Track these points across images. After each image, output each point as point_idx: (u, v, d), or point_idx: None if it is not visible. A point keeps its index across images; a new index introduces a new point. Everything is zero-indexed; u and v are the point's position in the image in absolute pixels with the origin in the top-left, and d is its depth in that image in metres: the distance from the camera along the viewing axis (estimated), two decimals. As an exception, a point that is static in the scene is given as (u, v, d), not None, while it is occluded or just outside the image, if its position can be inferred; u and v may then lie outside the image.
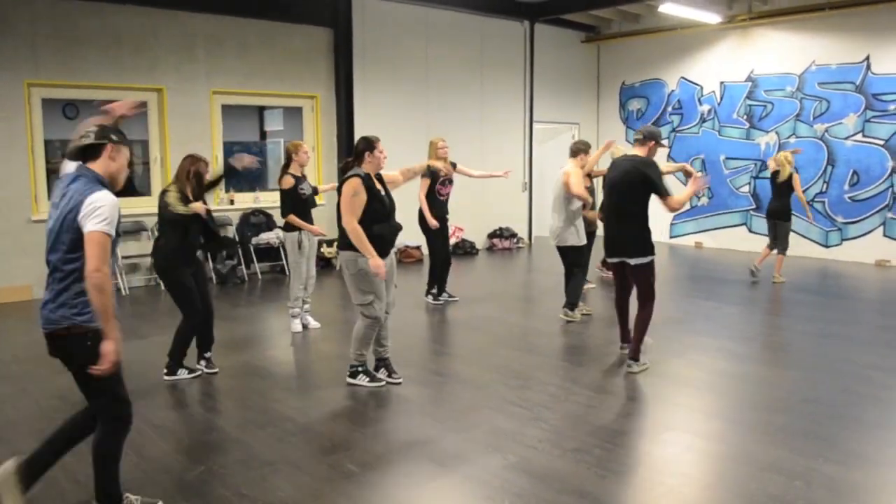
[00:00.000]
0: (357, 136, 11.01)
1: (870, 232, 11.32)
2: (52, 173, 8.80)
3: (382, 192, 5.23)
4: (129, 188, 11.47)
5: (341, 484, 3.87)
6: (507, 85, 13.34)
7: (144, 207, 9.54)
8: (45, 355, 3.35)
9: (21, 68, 8.55)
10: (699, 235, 13.41)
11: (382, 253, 5.15)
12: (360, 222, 5.08)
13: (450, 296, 8.51)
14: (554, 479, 3.89)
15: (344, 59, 11.02)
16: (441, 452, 4.27)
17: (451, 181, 8.20)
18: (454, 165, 8.15)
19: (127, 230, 9.33)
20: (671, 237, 13.76)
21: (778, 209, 9.44)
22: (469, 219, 12.78)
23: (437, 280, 8.42)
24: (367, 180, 5.13)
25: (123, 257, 9.29)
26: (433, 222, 7.95)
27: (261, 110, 14.88)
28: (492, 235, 13.31)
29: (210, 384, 5.57)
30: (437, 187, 8.08)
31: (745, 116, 12.63)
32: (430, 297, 8.40)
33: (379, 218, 5.16)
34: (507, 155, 13.46)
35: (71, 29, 8.83)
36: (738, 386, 5.54)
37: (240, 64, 10.19)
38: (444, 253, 8.39)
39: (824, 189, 11.73)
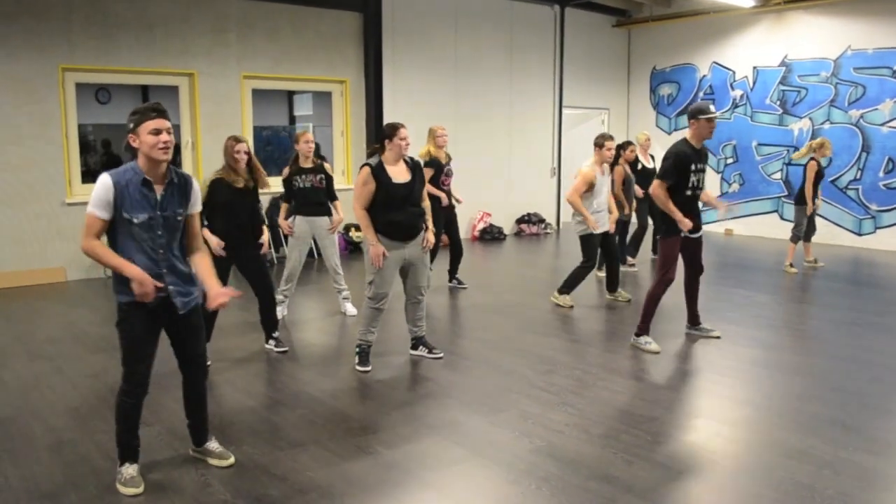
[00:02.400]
0: (385, 121, 11.16)
1: (905, 220, 11.15)
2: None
3: (399, 180, 5.25)
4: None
5: (369, 465, 3.92)
6: (536, 70, 13.27)
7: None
8: (79, 335, 3.45)
9: (56, 53, 8.68)
10: (730, 222, 13.28)
11: (400, 237, 5.31)
12: (375, 209, 5.25)
13: (459, 283, 8.50)
14: (580, 463, 3.91)
15: (373, 44, 11.03)
16: (468, 436, 4.30)
17: (450, 174, 8.09)
18: (449, 158, 8.10)
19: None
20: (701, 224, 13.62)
21: (797, 193, 9.39)
22: (497, 204, 12.78)
23: (453, 267, 8.43)
24: (376, 169, 5.22)
25: None
26: (446, 199, 7.92)
27: (290, 95, 14.95)
28: (520, 221, 13.29)
29: (240, 366, 5.64)
30: (441, 178, 7.95)
31: (778, 102, 12.46)
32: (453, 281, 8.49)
33: (393, 205, 5.24)
34: (536, 140, 13.41)
35: (104, 14, 8.94)
36: (767, 374, 5.50)
37: (270, 48, 10.24)
38: (458, 242, 8.34)
39: (858, 176, 11.55)
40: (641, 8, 14.01)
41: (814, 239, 9.61)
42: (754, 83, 12.75)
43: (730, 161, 13.18)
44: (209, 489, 3.64)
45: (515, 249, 11.79)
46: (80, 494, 3.58)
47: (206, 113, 9.81)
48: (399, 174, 5.29)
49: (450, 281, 8.49)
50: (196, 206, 3.66)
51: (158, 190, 3.47)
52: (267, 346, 5.97)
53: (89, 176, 9.27)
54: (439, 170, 7.91)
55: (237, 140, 5.59)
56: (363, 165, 5.29)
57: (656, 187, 5.79)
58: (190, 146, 9.88)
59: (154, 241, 3.47)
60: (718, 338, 6.28)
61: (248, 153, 5.60)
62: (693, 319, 6.42)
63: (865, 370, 5.48)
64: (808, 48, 11.97)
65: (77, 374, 5.39)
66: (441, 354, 5.78)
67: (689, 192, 5.82)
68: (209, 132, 9.78)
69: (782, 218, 12.52)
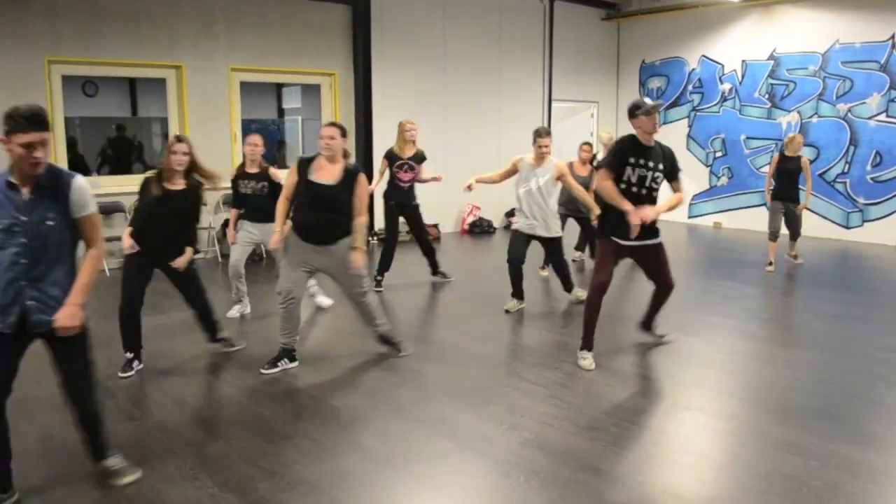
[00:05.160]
0: (375, 114, 11.13)
1: (892, 213, 11.18)
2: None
3: (320, 180, 5.10)
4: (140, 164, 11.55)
5: (358, 458, 3.92)
6: (525, 63, 13.25)
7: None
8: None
9: (41, 45, 8.58)
10: (718, 215, 13.32)
11: (306, 239, 5.15)
12: (292, 202, 5.27)
13: (444, 276, 8.34)
14: (569, 455, 3.92)
15: (362, 37, 10.98)
16: (457, 429, 4.31)
17: (412, 167, 7.85)
18: (423, 159, 7.94)
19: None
20: (689, 217, 13.68)
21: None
22: (486, 198, 12.76)
23: (431, 263, 8.24)
24: (302, 163, 5.19)
25: None
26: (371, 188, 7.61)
27: (279, 88, 14.88)
28: (509, 214, 13.26)
29: (229, 359, 5.62)
30: (394, 171, 7.80)
31: (766, 95, 12.49)
32: (376, 282, 7.91)
33: (307, 203, 5.16)
34: (525, 133, 13.35)
35: (90, 5, 8.85)
36: (755, 366, 5.53)
37: (258, 41, 10.18)
38: (423, 239, 8.13)
39: (846, 170, 11.60)
40: (630, 1, 14.00)
41: (801, 230, 9.52)
42: (743, 77, 12.78)
43: (719, 154, 13.22)
44: (197, 482, 3.63)
45: (504, 243, 11.74)
46: (68, 488, 3.57)
47: (193, 106, 9.75)
48: (326, 175, 5.12)
49: (434, 275, 8.34)
50: (83, 209, 3.27)
51: (25, 193, 3.16)
52: (211, 345, 5.70)
53: (75, 169, 9.20)
54: (392, 162, 7.79)
55: (177, 139, 5.19)
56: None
57: (599, 177, 5.26)
58: (178, 139, 9.82)
59: (19, 249, 3.15)
60: (669, 342, 5.88)
61: (187, 154, 5.13)
62: (646, 323, 5.92)
63: (853, 363, 5.52)
64: (796, 42, 12.00)
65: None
66: (407, 353, 5.64)
67: (622, 187, 5.16)
68: (197, 125, 9.72)
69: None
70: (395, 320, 6.98)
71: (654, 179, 5.23)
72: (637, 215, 5.02)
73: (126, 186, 9.58)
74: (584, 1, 13.73)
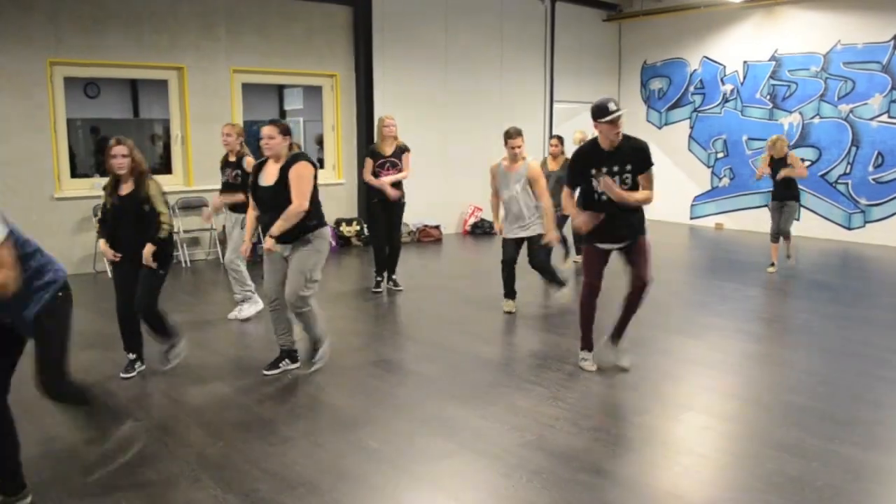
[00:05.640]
0: (376, 115, 11.13)
1: (894, 214, 11.16)
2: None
3: (263, 183, 5.07)
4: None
5: (359, 459, 3.92)
6: (527, 64, 13.25)
7: (172, 185, 9.65)
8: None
9: (44, 47, 8.61)
10: (720, 216, 13.31)
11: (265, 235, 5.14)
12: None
13: (395, 284, 7.99)
14: (571, 456, 3.91)
15: (363, 38, 10.99)
16: (459, 429, 4.30)
17: (394, 165, 7.68)
18: (404, 150, 7.74)
19: (190, 205, 9.73)
20: (691, 218, 13.68)
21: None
22: (487, 198, 12.76)
23: (386, 266, 7.94)
24: (255, 169, 5.22)
25: (185, 231, 9.59)
26: (387, 189, 7.57)
27: (280, 89, 14.88)
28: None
29: (230, 361, 5.63)
30: (376, 169, 7.68)
31: (768, 96, 12.48)
32: (377, 284, 7.96)
33: (258, 205, 5.20)
34: (527, 134, 13.29)
35: (92, 7, 8.87)
36: (756, 367, 5.53)
37: (260, 42, 10.19)
38: (393, 239, 7.90)
39: (848, 171, 11.59)
40: (632, 2, 14.00)
41: (802, 232, 9.49)
42: (744, 78, 12.78)
43: (720, 155, 13.21)
44: (199, 484, 3.63)
45: (506, 244, 11.77)
46: (68, 488, 3.57)
47: (195, 107, 9.76)
48: (268, 177, 5.06)
49: (386, 282, 8.00)
50: None
51: None
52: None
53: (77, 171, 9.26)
54: (375, 161, 7.70)
55: (116, 141, 4.97)
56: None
57: (563, 191, 5.32)
58: (179, 140, 9.84)
59: None
60: (626, 370, 5.32)
61: (126, 156, 4.91)
62: (615, 333, 5.46)
63: (855, 363, 5.51)
64: (797, 43, 12.00)
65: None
66: (297, 366, 5.40)
67: (595, 197, 5.04)
68: (199, 127, 9.74)
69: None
70: (396, 322, 7.00)
71: (623, 182, 5.01)
72: (585, 216, 5.04)
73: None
74: (585, 2, 13.74)
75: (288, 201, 4.91)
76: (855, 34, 11.31)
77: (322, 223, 5.17)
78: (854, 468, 3.78)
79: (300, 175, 4.94)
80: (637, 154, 5.06)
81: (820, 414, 4.51)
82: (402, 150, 7.76)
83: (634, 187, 5.07)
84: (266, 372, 5.27)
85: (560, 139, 8.91)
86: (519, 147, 6.76)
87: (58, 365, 3.39)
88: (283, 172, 4.97)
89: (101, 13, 8.93)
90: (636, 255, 5.17)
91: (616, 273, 5.39)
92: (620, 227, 5.09)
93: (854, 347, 5.92)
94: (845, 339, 6.17)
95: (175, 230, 9.23)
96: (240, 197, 6.48)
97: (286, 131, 5.07)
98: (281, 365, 5.32)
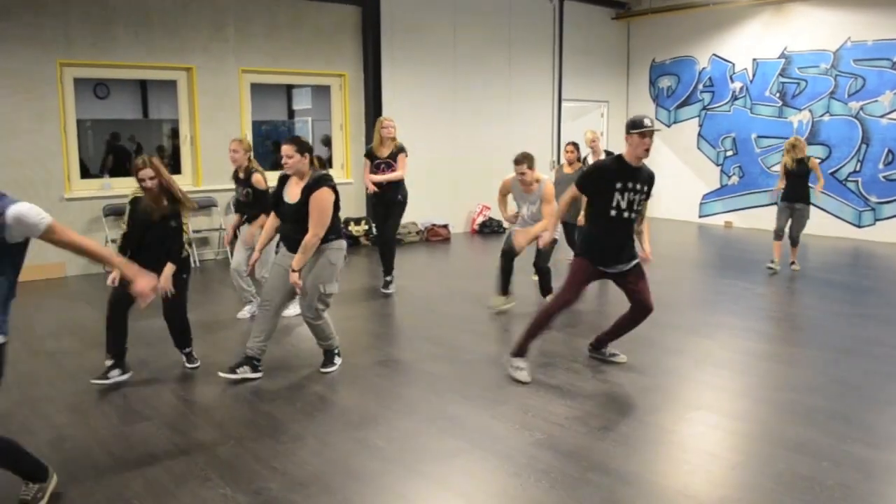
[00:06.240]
0: (384, 115, 11.14)
1: (904, 212, 11.14)
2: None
3: (287, 200, 5.10)
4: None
5: (368, 458, 3.92)
6: (535, 63, 13.24)
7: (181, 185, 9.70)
8: (78, 331, 3.44)
9: (54, 48, 8.65)
10: (729, 215, 13.27)
11: (285, 246, 5.20)
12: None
13: (385, 286, 7.93)
14: (580, 456, 3.91)
15: (372, 38, 11.00)
16: (468, 429, 4.30)
17: (389, 165, 7.71)
18: (400, 151, 7.74)
19: (199, 205, 9.67)
20: (700, 216, 13.64)
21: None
22: (495, 198, 12.76)
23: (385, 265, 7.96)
24: (280, 181, 5.21)
25: (195, 231, 9.60)
26: (368, 185, 7.76)
27: (289, 89, 14.92)
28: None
29: (237, 358, 5.63)
30: (373, 170, 7.73)
31: (777, 94, 12.43)
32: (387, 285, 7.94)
33: (281, 218, 5.23)
34: (535, 133, 13.38)
35: (102, 8, 8.91)
36: (766, 366, 5.50)
37: (268, 43, 10.21)
38: (384, 236, 7.93)
39: (858, 168, 11.53)
40: (641, 1, 13.97)
41: (812, 230, 9.40)
42: (754, 75, 12.73)
43: (729, 153, 13.16)
44: (209, 483, 3.64)
45: (515, 243, 11.76)
46: (80, 489, 3.58)
47: (204, 107, 9.79)
48: (292, 194, 5.07)
49: (385, 286, 7.95)
50: None
51: None
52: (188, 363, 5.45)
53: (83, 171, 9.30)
54: (372, 161, 7.76)
55: (143, 164, 4.87)
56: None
57: (568, 189, 5.23)
58: (189, 141, 9.87)
59: None
60: (623, 362, 5.44)
61: (153, 178, 4.85)
62: (597, 343, 5.53)
63: (865, 362, 5.48)
64: (807, 40, 11.94)
65: (77, 370, 5.38)
66: (334, 368, 5.39)
67: (613, 213, 4.97)
68: (208, 127, 9.78)
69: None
70: (405, 321, 7.01)
71: (639, 203, 5.04)
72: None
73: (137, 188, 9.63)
74: (594, 0, 13.71)
75: (307, 221, 4.94)
76: (865, 31, 11.25)
77: (339, 236, 5.18)
78: (866, 468, 3.76)
79: (321, 207, 4.93)
80: (650, 179, 5.11)
81: (831, 413, 4.49)
82: (398, 150, 7.77)
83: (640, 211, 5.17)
84: (222, 374, 5.10)
85: (576, 145, 8.88)
86: (524, 174, 6.69)
87: None
88: (305, 195, 4.96)
89: (110, 14, 8.97)
90: (638, 283, 5.12)
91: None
92: (622, 250, 5.07)
93: (865, 346, 5.89)
94: (856, 338, 6.14)
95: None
96: (260, 222, 6.26)
97: (304, 148, 5.01)
98: (239, 371, 5.12)
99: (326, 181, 5.00)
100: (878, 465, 3.81)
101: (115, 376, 5.03)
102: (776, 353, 5.79)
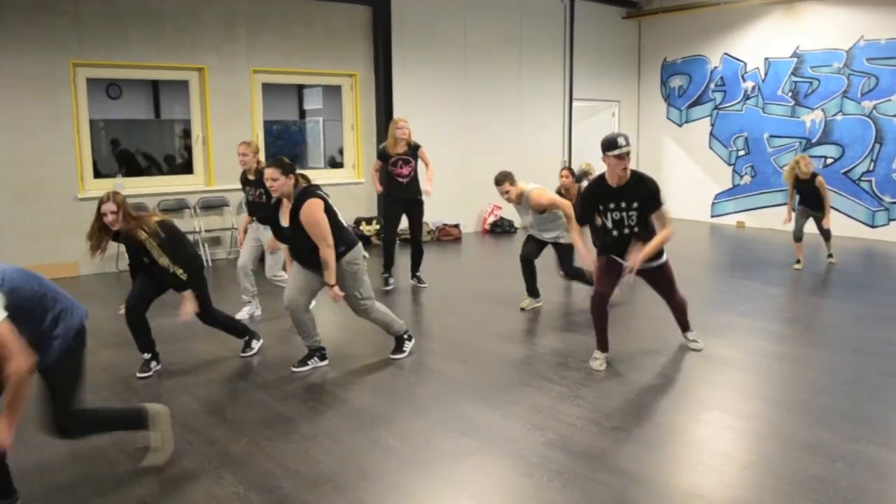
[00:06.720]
0: (395, 114, 11.15)
1: (918, 211, 11.06)
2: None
3: (281, 223, 5.27)
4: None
5: (381, 457, 3.93)
6: (546, 62, 13.22)
7: (193, 185, 9.77)
8: (92, 330, 3.47)
9: (66, 48, 8.70)
10: (741, 214, 13.21)
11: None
12: None
13: (419, 281, 8.18)
14: (592, 456, 3.91)
15: (383, 38, 11.02)
16: (480, 428, 4.31)
17: (407, 162, 7.79)
18: (417, 148, 7.83)
19: (211, 205, 9.89)
20: (712, 216, 13.59)
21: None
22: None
23: (413, 264, 8.14)
24: (273, 205, 5.42)
25: (206, 231, 9.70)
26: (378, 186, 8.02)
27: (300, 89, 14.95)
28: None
29: (250, 359, 5.66)
30: (389, 168, 7.81)
31: (790, 93, 12.37)
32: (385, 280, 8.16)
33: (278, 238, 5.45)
34: (546, 133, 13.36)
35: (114, 8, 8.96)
36: (779, 366, 5.48)
37: (280, 43, 10.24)
38: (416, 237, 8.09)
39: (871, 168, 11.46)
40: (652, 0, 13.94)
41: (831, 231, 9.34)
42: (766, 74, 12.67)
43: (741, 153, 13.11)
44: (222, 481, 3.66)
45: (526, 243, 11.75)
46: (95, 487, 3.61)
47: (216, 107, 9.83)
48: (284, 217, 5.21)
49: (411, 278, 8.21)
50: None
51: None
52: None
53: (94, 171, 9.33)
54: (386, 161, 7.81)
55: (106, 198, 4.83)
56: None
57: (573, 227, 5.75)
58: (200, 141, 9.91)
59: None
60: (699, 350, 5.71)
61: (115, 213, 4.79)
62: (682, 327, 5.80)
63: (878, 363, 5.45)
64: (820, 39, 11.87)
65: (91, 368, 5.34)
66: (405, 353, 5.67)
67: (615, 233, 5.20)
68: (220, 127, 9.81)
69: (794, 210, 12.41)
70: (417, 320, 7.01)
71: (629, 219, 5.13)
72: (584, 257, 5.42)
73: (149, 188, 9.70)
74: (605, 0, 13.68)
75: (308, 238, 5.02)
76: (878, 30, 11.17)
77: (350, 246, 5.22)
78: (879, 469, 3.74)
79: (311, 222, 4.98)
80: (644, 193, 5.10)
81: (844, 414, 4.47)
82: (415, 147, 7.85)
83: (641, 225, 5.16)
84: (295, 369, 5.36)
85: (571, 171, 8.84)
86: (507, 192, 6.90)
87: (66, 409, 3.39)
88: (294, 215, 5.04)
89: (122, 15, 9.01)
90: (664, 283, 5.45)
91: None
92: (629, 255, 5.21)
93: (879, 347, 5.85)
94: (869, 339, 6.10)
95: (196, 230, 9.42)
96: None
97: (288, 170, 5.05)
98: (310, 362, 5.42)
99: (308, 195, 5.03)
100: (892, 467, 3.79)
101: (155, 367, 5.34)
102: (789, 354, 5.77)
